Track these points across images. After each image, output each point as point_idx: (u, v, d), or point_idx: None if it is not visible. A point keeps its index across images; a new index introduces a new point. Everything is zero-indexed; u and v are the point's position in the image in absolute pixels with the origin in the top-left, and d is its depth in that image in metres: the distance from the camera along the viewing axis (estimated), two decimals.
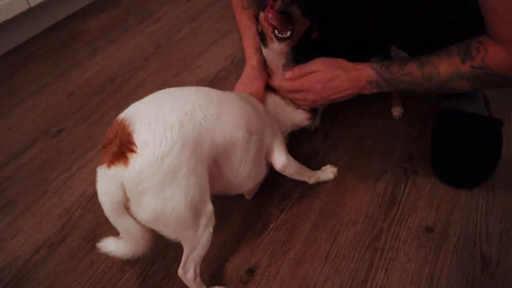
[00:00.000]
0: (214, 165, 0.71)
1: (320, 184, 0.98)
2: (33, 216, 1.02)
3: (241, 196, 0.96)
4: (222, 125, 0.70)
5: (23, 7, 1.65)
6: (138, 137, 0.61)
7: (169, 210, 0.63)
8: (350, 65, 0.89)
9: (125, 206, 0.64)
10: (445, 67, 0.80)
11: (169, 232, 0.68)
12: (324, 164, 1.02)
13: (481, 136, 0.96)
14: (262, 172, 0.86)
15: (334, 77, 0.88)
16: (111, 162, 0.61)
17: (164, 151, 0.60)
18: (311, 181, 0.96)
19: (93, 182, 1.04)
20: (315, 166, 1.01)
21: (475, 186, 0.95)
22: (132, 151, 0.60)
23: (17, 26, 1.72)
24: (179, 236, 0.69)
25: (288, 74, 0.90)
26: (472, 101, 1.01)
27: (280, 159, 0.85)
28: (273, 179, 0.91)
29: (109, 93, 1.39)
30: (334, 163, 1.02)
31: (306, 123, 0.98)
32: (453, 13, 0.78)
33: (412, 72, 0.83)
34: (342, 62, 0.90)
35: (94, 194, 1.03)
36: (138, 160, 0.60)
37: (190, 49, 1.57)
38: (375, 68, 0.86)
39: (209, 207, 0.69)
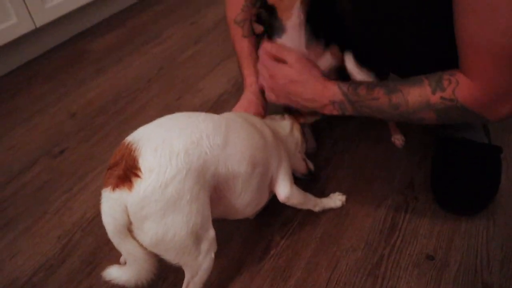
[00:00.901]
0: (214, 193, 0.71)
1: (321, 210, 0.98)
2: (33, 237, 1.01)
3: (241, 220, 0.96)
4: (226, 157, 0.70)
5: (29, 27, 1.68)
6: (144, 163, 0.62)
7: (170, 236, 0.64)
8: (320, 78, 0.86)
9: (129, 229, 0.64)
10: (414, 96, 0.78)
11: (170, 257, 0.68)
12: (324, 190, 1.02)
13: (480, 163, 0.97)
14: (264, 200, 0.86)
15: (299, 81, 0.85)
16: (115, 186, 0.62)
17: (168, 178, 0.61)
18: (316, 209, 0.95)
19: (94, 204, 1.05)
20: (316, 192, 1.01)
21: (475, 213, 0.95)
22: (137, 176, 0.61)
23: (22, 46, 1.75)
24: (180, 261, 0.69)
25: (267, 45, 0.88)
26: (471, 127, 1.01)
27: (284, 191, 0.85)
28: (274, 204, 0.91)
29: (112, 113, 1.41)
30: (335, 189, 1.02)
31: (296, 174, 0.99)
32: (450, 43, 0.79)
33: (379, 98, 0.81)
34: (316, 71, 0.86)
35: (95, 216, 1.03)
36: (142, 186, 0.61)
37: (193, 72, 1.58)
38: (342, 87, 0.84)
39: (211, 233, 0.70)
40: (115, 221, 0.63)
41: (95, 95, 1.52)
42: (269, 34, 0.89)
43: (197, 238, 0.67)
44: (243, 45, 1.05)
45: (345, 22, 0.88)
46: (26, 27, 1.67)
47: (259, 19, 0.89)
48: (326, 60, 0.90)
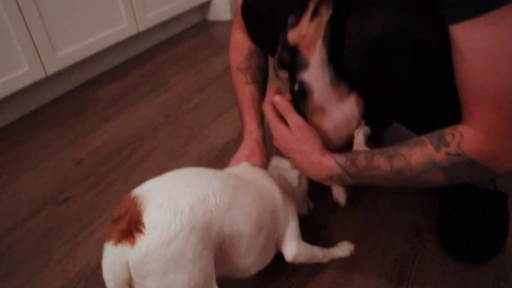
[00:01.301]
0: (219, 251, 0.70)
1: None
2: (35, 287, 0.99)
3: None
4: (231, 216, 0.70)
5: (40, 76, 1.73)
6: (147, 219, 0.61)
7: None
8: (318, 151, 0.84)
9: (129, 284, 0.63)
10: (417, 158, 0.74)
11: None
12: (331, 238, 1.02)
13: (487, 210, 0.97)
14: (269, 258, 0.84)
15: (298, 150, 0.86)
16: (118, 240, 0.61)
17: (172, 235, 0.60)
18: (325, 260, 0.94)
19: (98, 253, 1.03)
20: (323, 240, 1.00)
21: (485, 261, 0.93)
22: (140, 231, 0.60)
23: (32, 93, 1.80)
24: None
25: (276, 98, 0.87)
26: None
27: (291, 251, 0.84)
28: (280, 254, 0.89)
29: (118, 162, 1.42)
30: (341, 237, 1.02)
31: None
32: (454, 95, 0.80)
33: (380, 167, 0.77)
34: (315, 143, 0.85)
35: (98, 266, 1.01)
36: (145, 242, 0.60)
37: (199, 120, 1.61)
38: (339, 161, 0.82)
39: None
40: (116, 276, 0.62)
41: (101, 143, 1.54)
42: (292, 73, 0.89)
43: None
44: (245, 91, 1.07)
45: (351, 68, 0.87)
46: (37, 75, 1.72)
47: (282, 65, 0.89)
48: (350, 106, 0.90)
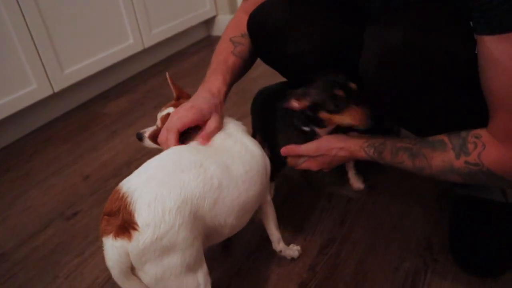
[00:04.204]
0: (205, 236, 0.78)
1: (338, 274, 0.96)
2: None
3: None
4: (212, 216, 0.77)
5: (48, 92, 1.75)
6: (140, 218, 0.68)
7: (167, 275, 0.71)
8: (345, 149, 0.94)
9: (131, 269, 0.71)
10: (437, 161, 0.80)
11: None
12: (340, 253, 1.01)
13: (499, 223, 0.95)
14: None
15: (332, 161, 0.97)
16: (116, 235, 0.69)
17: (163, 232, 0.68)
18: (278, 246, 0.99)
19: (105, 269, 1.02)
20: (332, 255, 1.00)
21: (498, 275, 0.92)
22: (135, 229, 0.68)
23: (40, 109, 1.81)
24: None
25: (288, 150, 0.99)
26: (488, 186, 1.01)
27: (267, 199, 0.95)
28: (287, 271, 0.88)
29: (125, 176, 1.39)
30: (351, 251, 1.01)
31: None
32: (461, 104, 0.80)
33: (403, 162, 0.85)
34: (340, 141, 0.94)
35: (106, 281, 1.01)
36: (141, 239, 0.68)
37: None
38: (368, 152, 0.90)
39: (204, 268, 0.76)
40: (121, 264, 0.70)
41: (108, 158, 1.54)
42: (307, 121, 0.98)
43: (192, 274, 0.74)
44: (229, 58, 1.06)
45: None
46: (44, 92, 1.74)
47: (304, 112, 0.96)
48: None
